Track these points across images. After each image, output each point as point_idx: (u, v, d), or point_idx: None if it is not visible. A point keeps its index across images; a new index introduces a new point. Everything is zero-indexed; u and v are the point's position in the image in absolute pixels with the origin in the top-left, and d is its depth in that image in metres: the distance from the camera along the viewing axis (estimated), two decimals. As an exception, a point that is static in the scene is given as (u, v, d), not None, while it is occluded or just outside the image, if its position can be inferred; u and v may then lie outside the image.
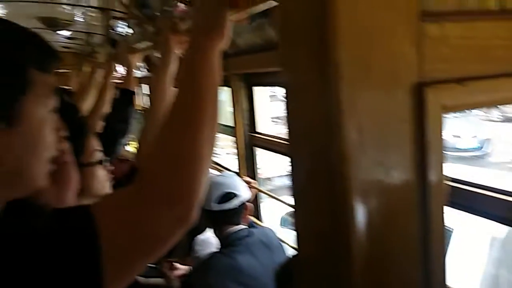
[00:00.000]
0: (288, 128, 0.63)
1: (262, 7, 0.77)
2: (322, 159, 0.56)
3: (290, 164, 0.63)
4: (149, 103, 1.24)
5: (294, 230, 0.68)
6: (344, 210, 0.53)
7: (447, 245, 0.64)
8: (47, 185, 0.71)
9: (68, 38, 4.40)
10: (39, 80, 0.63)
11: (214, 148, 0.70)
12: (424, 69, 0.56)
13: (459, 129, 10.02)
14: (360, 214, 0.54)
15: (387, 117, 0.55)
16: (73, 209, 0.63)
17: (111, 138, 1.76)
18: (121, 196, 0.63)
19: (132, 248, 0.61)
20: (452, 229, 3.30)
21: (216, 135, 0.70)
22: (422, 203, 0.57)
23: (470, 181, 1.02)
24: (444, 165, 0.59)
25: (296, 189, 0.64)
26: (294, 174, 0.63)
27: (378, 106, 0.54)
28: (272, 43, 1.76)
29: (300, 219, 0.66)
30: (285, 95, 0.62)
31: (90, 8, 3.19)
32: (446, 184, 0.60)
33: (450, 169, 0.63)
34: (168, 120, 0.69)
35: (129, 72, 1.77)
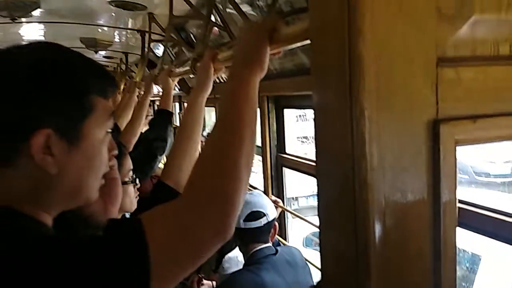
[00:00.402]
0: (316, 152, 0.72)
1: (298, 44, 0.87)
2: (346, 183, 0.64)
3: (317, 185, 0.73)
4: (182, 122, 1.34)
5: (319, 250, 0.76)
6: (365, 231, 0.62)
7: (475, 271, 0.70)
8: (97, 198, 0.82)
9: (106, 57, 4.63)
10: (99, 105, 0.74)
11: (252, 167, 0.79)
12: (440, 107, 0.64)
13: (495, 155, 9.81)
14: (379, 234, 0.62)
15: (406, 148, 0.64)
16: (123, 220, 0.73)
17: (149, 157, 1.89)
18: (169, 208, 0.72)
19: (176, 258, 0.68)
20: (481, 256, 3.27)
21: (253, 155, 0.80)
22: (435, 224, 0.65)
23: (500, 208, 1.06)
24: (457, 189, 0.67)
25: (322, 210, 0.73)
26: (321, 196, 0.72)
27: (398, 138, 0.63)
28: (303, 68, 1.86)
29: (324, 239, 0.74)
30: (315, 121, 0.71)
31: (129, 30, 3.38)
32: (458, 207, 0.67)
33: (481, 195, 0.70)
34: (211, 141, 0.79)
35: (167, 93, 1.90)
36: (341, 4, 0.60)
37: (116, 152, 0.87)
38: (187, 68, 1.56)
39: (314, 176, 1.70)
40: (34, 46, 0.75)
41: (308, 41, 0.82)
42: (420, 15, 0.63)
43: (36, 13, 2.66)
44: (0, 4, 2.47)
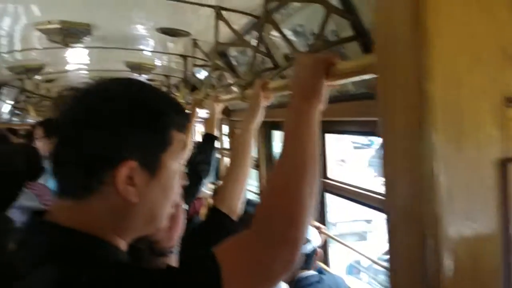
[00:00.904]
0: (386, 186, 0.74)
1: (356, 78, 0.90)
2: (415, 217, 0.66)
3: (386, 220, 0.75)
4: (233, 149, 1.39)
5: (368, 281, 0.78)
6: (435, 265, 0.63)
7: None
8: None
9: (148, 80, 4.80)
10: (176, 138, 0.79)
11: (316, 196, 0.82)
12: (508, 146, 0.66)
13: None
14: (450, 270, 0.63)
15: (474, 184, 0.66)
16: (197, 253, 0.76)
17: (194, 180, 1.94)
18: (240, 238, 0.76)
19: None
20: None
21: (317, 186, 0.83)
22: (506, 260, 0.66)
23: None
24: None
25: (392, 243, 0.75)
26: (391, 232, 0.74)
27: (467, 175, 0.65)
28: (347, 94, 1.89)
29: (394, 275, 0.75)
30: (383, 156, 0.74)
31: (171, 55, 3.51)
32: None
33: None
34: (276, 174, 0.83)
35: (213, 118, 1.96)
36: (410, 43, 0.63)
37: (185, 181, 0.91)
38: (235, 95, 1.61)
39: (359, 202, 1.69)
40: (124, 82, 0.82)
41: (366, 76, 0.85)
42: (487, 55, 0.65)
43: (86, 39, 2.82)
44: (55, 31, 2.63)
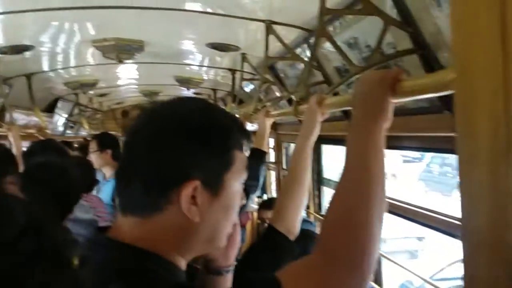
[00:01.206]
0: (462, 205, 0.70)
1: (424, 96, 0.86)
2: (498, 246, 0.61)
3: (462, 247, 0.70)
4: (290, 168, 1.35)
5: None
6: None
7: None
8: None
9: (195, 93, 4.90)
10: (238, 158, 0.79)
11: (383, 221, 0.78)
12: None
13: None
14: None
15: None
16: (261, 275, 0.75)
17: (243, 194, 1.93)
18: (305, 264, 0.74)
19: None
20: None
21: (385, 209, 0.79)
22: None
23: None
24: None
25: (468, 271, 0.69)
26: (467, 257, 0.69)
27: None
28: (404, 108, 1.82)
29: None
30: (460, 177, 0.69)
31: (220, 69, 3.56)
32: None
33: None
34: (341, 196, 0.80)
35: (262, 133, 1.95)
36: (497, 58, 0.58)
37: (244, 201, 0.90)
38: (287, 110, 1.59)
39: (425, 225, 1.60)
40: (190, 101, 0.84)
41: (440, 93, 0.81)
42: None
43: (139, 55, 2.90)
44: (109, 48, 2.73)
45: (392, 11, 1.43)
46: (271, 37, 2.14)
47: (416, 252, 9.63)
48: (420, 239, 9.48)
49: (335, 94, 1.74)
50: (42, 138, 3.30)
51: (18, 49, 2.59)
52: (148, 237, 0.74)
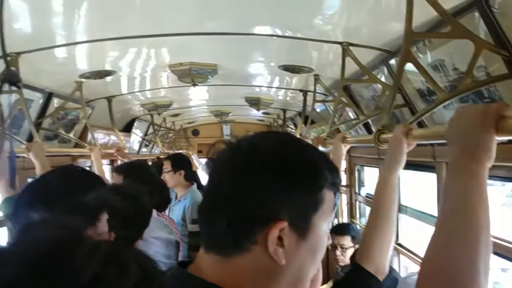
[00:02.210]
0: None
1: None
2: None
3: None
4: (376, 201, 1.28)
5: None
6: None
7: None
8: None
9: (264, 113, 4.94)
10: (327, 197, 0.74)
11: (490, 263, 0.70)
12: None
13: None
14: None
15: None
16: None
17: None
18: None
19: None
20: None
21: (491, 250, 0.72)
22: None
23: None
24: None
25: None
26: None
27: None
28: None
29: None
30: None
31: (291, 90, 3.55)
32: None
33: None
34: (444, 240, 0.73)
35: (338, 159, 1.89)
36: None
37: (330, 241, 0.86)
38: (367, 137, 1.52)
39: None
40: (279, 137, 0.81)
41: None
42: None
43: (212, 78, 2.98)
44: (184, 72, 2.83)
45: (483, 33, 1.33)
46: (347, 59, 2.09)
47: (497, 285, 8.84)
48: (504, 270, 8.72)
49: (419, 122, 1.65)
50: (120, 158, 3.47)
51: (101, 74, 2.76)
52: (231, 277, 0.72)
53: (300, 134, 3.76)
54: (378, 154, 2.77)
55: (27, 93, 2.42)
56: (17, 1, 1.56)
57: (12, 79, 1.21)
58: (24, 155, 2.17)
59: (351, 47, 2.04)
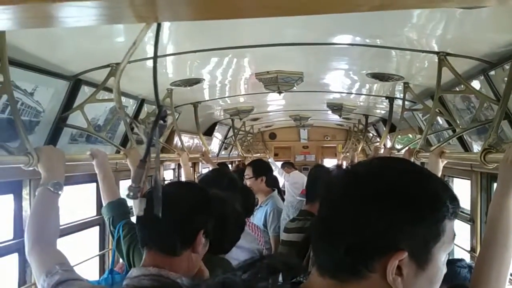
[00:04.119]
0: None
1: None
2: None
3: None
4: (490, 227, 1.21)
5: None
6: None
7: None
8: None
9: (345, 118, 4.89)
10: (448, 228, 0.75)
11: None
12: None
13: None
14: None
15: None
16: None
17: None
18: None
19: None
20: None
21: None
22: None
23: None
24: None
25: None
26: None
27: None
28: None
29: None
30: None
31: (376, 96, 3.49)
32: None
33: None
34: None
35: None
36: None
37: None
38: (470, 154, 1.46)
39: None
40: (398, 164, 0.81)
41: None
42: None
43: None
44: (271, 80, 2.89)
45: None
46: (443, 68, 2.02)
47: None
48: None
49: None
50: (205, 162, 3.62)
51: (190, 82, 2.91)
52: None
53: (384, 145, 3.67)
54: (471, 166, 2.63)
55: (123, 100, 2.62)
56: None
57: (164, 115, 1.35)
58: (122, 160, 2.32)
59: (448, 57, 1.97)
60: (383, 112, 4.14)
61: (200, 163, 4.48)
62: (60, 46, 1.81)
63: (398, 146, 3.23)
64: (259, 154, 6.69)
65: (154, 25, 0.99)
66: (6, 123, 1.70)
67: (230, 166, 5.79)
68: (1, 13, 0.65)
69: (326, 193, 0.81)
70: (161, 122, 2.06)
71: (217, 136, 5.23)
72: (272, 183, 3.66)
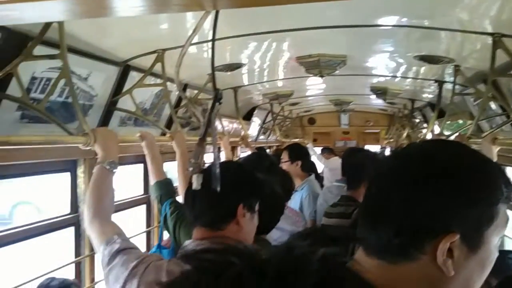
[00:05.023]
0: None
1: None
2: None
3: None
4: None
5: None
6: None
7: None
8: None
9: (389, 102, 4.82)
10: (502, 212, 0.76)
11: None
12: None
13: None
14: None
15: None
16: None
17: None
18: None
19: None
20: None
21: None
22: None
23: None
24: None
25: None
26: None
27: None
28: None
29: None
30: None
31: (423, 80, 3.43)
32: None
33: None
34: None
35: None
36: None
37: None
38: None
39: None
40: (451, 147, 0.82)
41: None
42: None
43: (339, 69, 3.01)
44: (312, 64, 2.90)
45: None
46: (498, 50, 1.98)
47: None
48: None
49: None
50: (244, 146, 3.69)
51: (232, 67, 2.97)
52: (395, 284, 0.75)
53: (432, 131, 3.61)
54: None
55: (168, 85, 2.72)
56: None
57: (220, 97, 1.47)
58: (167, 143, 2.42)
59: (503, 39, 1.93)
60: (430, 96, 4.05)
61: (239, 147, 4.55)
62: (111, 34, 1.91)
63: (447, 133, 3.18)
64: (297, 140, 6.70)
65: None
66: (63, 106, 1.83)
67: (268, 151, 5.84)
68: (61, 5, 0.73)
69: (376, 174, 0.83)
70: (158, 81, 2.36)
71: (256, 120, 5.29)
72: (309, 167, 3.68)
